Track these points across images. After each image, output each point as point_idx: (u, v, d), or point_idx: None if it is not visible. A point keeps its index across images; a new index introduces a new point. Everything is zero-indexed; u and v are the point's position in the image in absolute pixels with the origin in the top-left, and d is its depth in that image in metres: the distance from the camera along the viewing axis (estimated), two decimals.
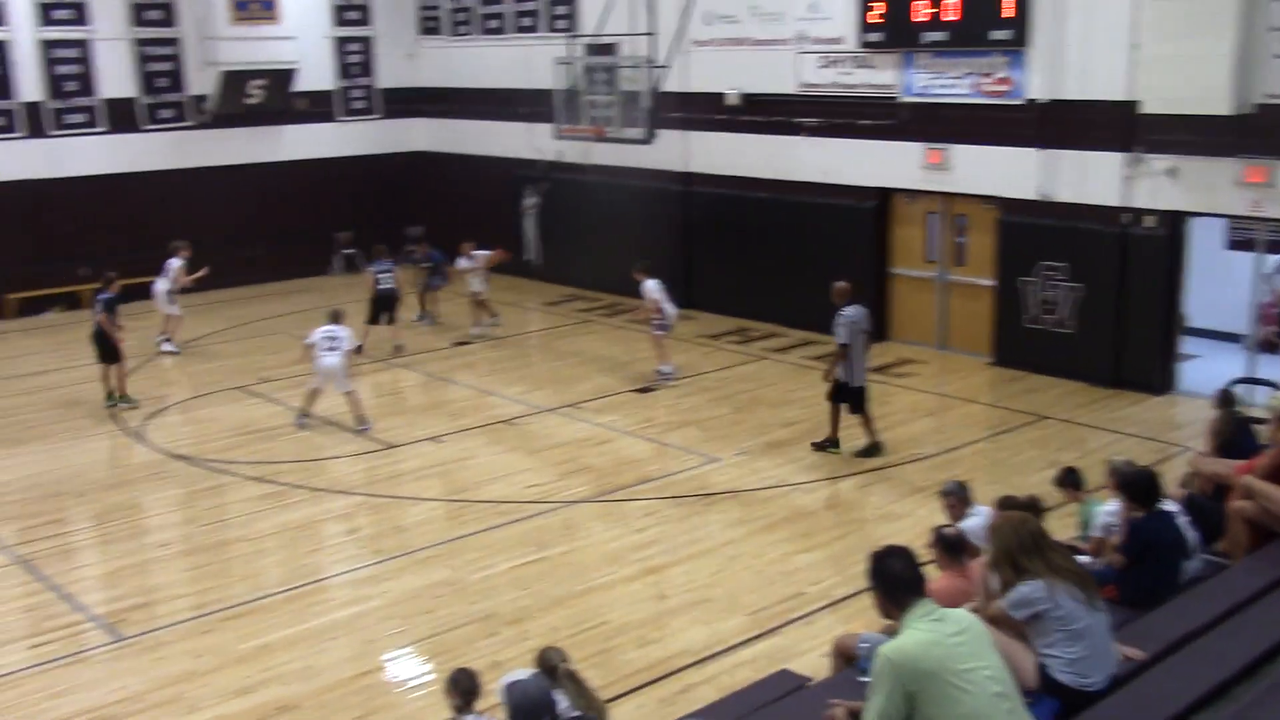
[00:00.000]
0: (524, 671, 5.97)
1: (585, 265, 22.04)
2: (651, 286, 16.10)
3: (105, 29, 21.72)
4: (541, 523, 11.67)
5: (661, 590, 10.19)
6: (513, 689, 5.75)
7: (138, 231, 21.92)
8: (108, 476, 13.43)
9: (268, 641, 9.43)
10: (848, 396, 13.26)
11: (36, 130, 21.24)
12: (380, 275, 18.21)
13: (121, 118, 22.07)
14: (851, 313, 13.09)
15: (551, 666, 6.37)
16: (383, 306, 18.27)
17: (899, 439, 13.81)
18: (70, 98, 21.56)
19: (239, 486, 12.82)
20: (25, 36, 20.98)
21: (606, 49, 19.92)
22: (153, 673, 9.01)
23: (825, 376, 13.49)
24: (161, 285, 18.62)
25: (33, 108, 21.17)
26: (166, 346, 18.66)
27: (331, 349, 14.43)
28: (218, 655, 9.24)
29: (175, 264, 18.64)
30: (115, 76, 21.94)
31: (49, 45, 21.23)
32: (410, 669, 9.20)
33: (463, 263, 19.58)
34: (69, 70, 21.51)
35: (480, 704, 6.48)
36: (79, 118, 21.69)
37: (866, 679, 5.28)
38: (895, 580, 5.19)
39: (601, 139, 19.15)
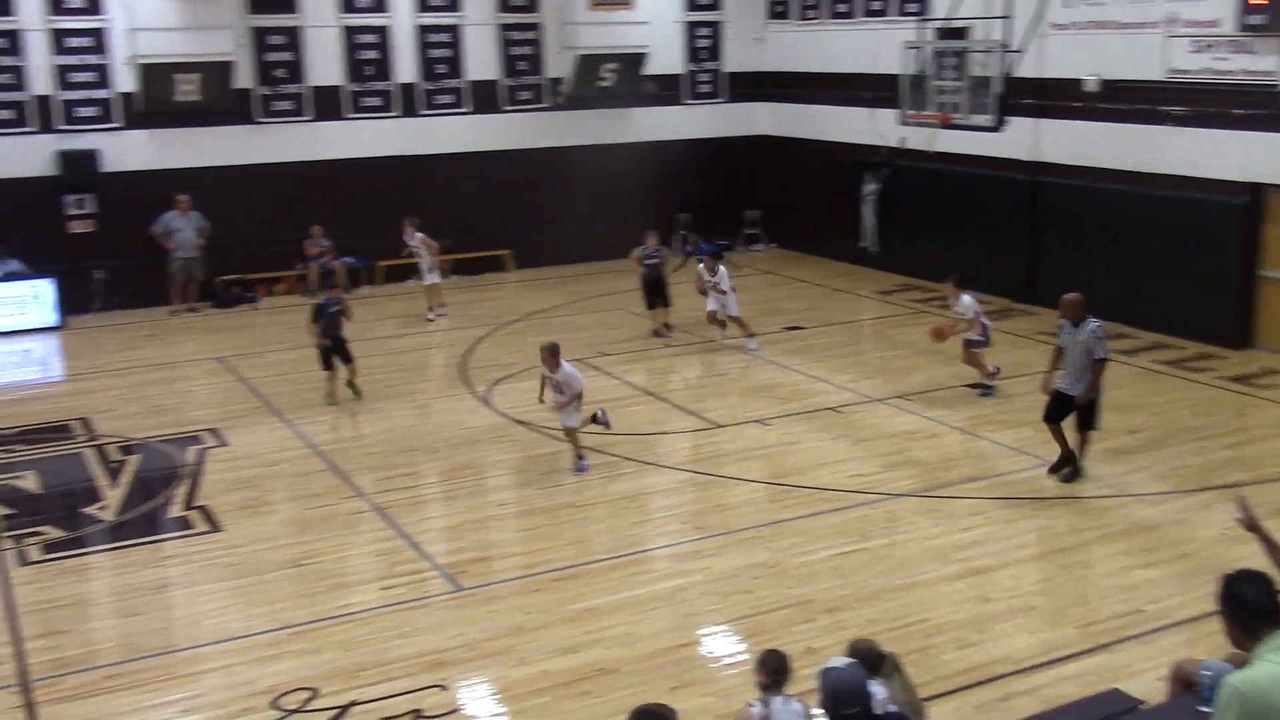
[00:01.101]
0: (843, 659, 5.94)
1: (923, 255, 21.56)
2: (968, 303, 14.89)
3: (475, 15, 23.10)
4: (864, 513, 11.56)
5: (985, 593, 9.88)
6: (829, 674, 5.74)
7: (501, 206, 23.28)
8: (456, 436, 14.32)
9: (592, 605, 9.81)
10: (1078, 411, 11.92)
11: (410, 110, 22.88)
12: (647, 260, 18.51)
13: (484, 99, 23.43)
14: (1101, 326, 11.75)
15: (875, 657, 6.30)
16: (652, 292, 18.57)
17: (1259, 455, 12.78)
18: (440, 80, 23.09)
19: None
20: (405, 22, 22.61)
21: (958, 33, 19.37)
22: (487, 624, 9.56)
23: (1044, 388, 12.25)
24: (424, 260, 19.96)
25: (407, 89, 22.81)
26: (431, 315, 19.89)
27: None
28: (546, 614, 9.69)
29: (420, 236, 19.89)
30: (481, 60, 23.31)
31: (424, 30, 22.80)
32: (725, 646, 9.33)
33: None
34: (440, 54, 23.04)
35: (789, 688, 6.50)
36: (447, 99, 23.20)
37: (1207, 709, 4.93)
38: (1249, 608, 4.81)
39: (947, 126, 18.66)
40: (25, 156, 20.18)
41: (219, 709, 8.45)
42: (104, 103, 20.73)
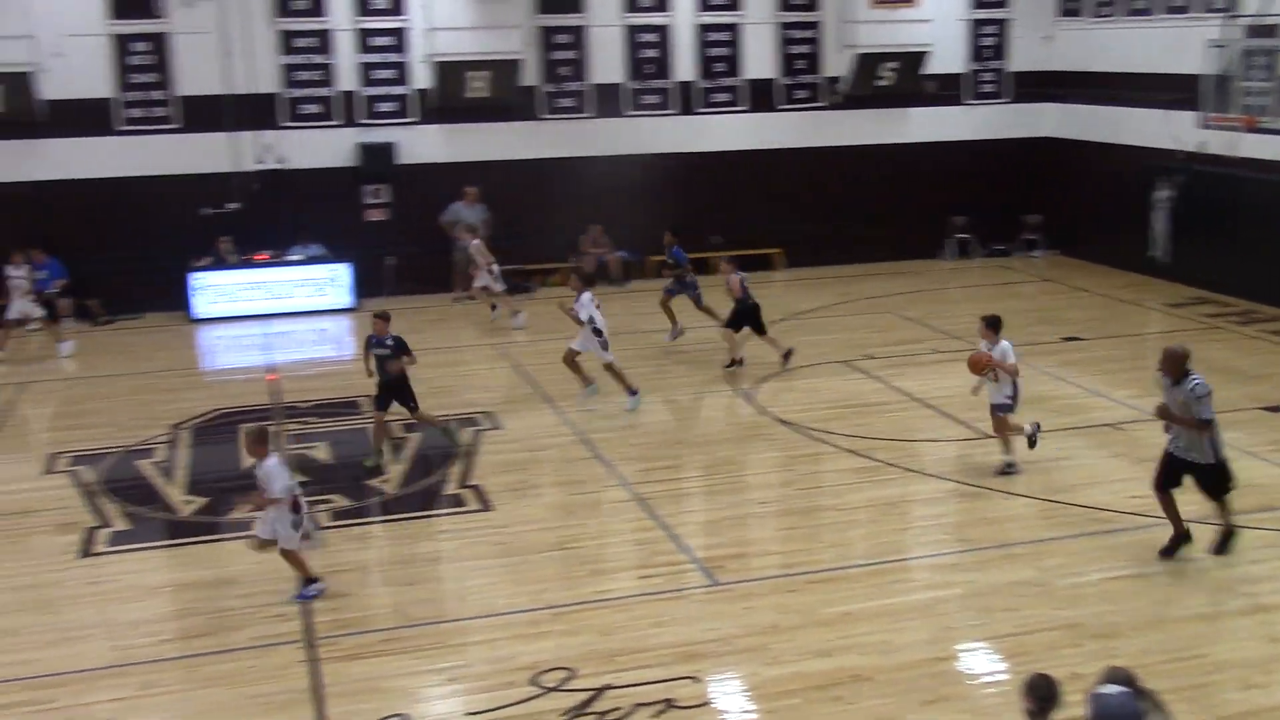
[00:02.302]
0: (1115, 686, 5.65)
1: (1219, 267, 20.24)
2: (1007, 348, 12.52)
3: (755, 14, 23.17)
4: (1142, 537, 10.95)
5: (1274, 632, 9.20)
6: (1099, 700, 5.47)
7: (773, 205, 23.32)
8: (718, 432, 14.43)
9: (849, 610, 9.69)
10: (1199, 479, 10.32)
11: (687, 108, 23.18)
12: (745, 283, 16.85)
13: (761, 97, 23.49)
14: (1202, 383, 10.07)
15: (1135, 690, 5.98)
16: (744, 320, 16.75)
17: None
18: (718, 78, 23.29)
19: (835, 457, 13.24)
20: (685, 21, 22.91)
21: (1268, 30, 18.06)
22: (742, 620, 9.59)
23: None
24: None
25: (685, 87, 23.12)
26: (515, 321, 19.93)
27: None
28: (801, 615, 9.64)
29: (476, 243, 19.85)
30: (759, 58, 23.37)
31: (704, 29, 23.04)
32: (985, 664, 9.04)
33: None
34: (719, 53, 23.23)
35: (1058, 715, 6.23)
36: (724, 97, 23.37)
37: None
38: None
39: (1253, 129, 17.44)
40: (330, 148, 21.59)
41: (481, 680, 8.80)
42: (401, 98, 21.92)
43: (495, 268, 19.73)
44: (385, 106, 21.90)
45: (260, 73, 21.14)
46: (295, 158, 21.39)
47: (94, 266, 20.50)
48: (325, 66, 21.52)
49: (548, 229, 22.42)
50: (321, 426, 14.87)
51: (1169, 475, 10.37)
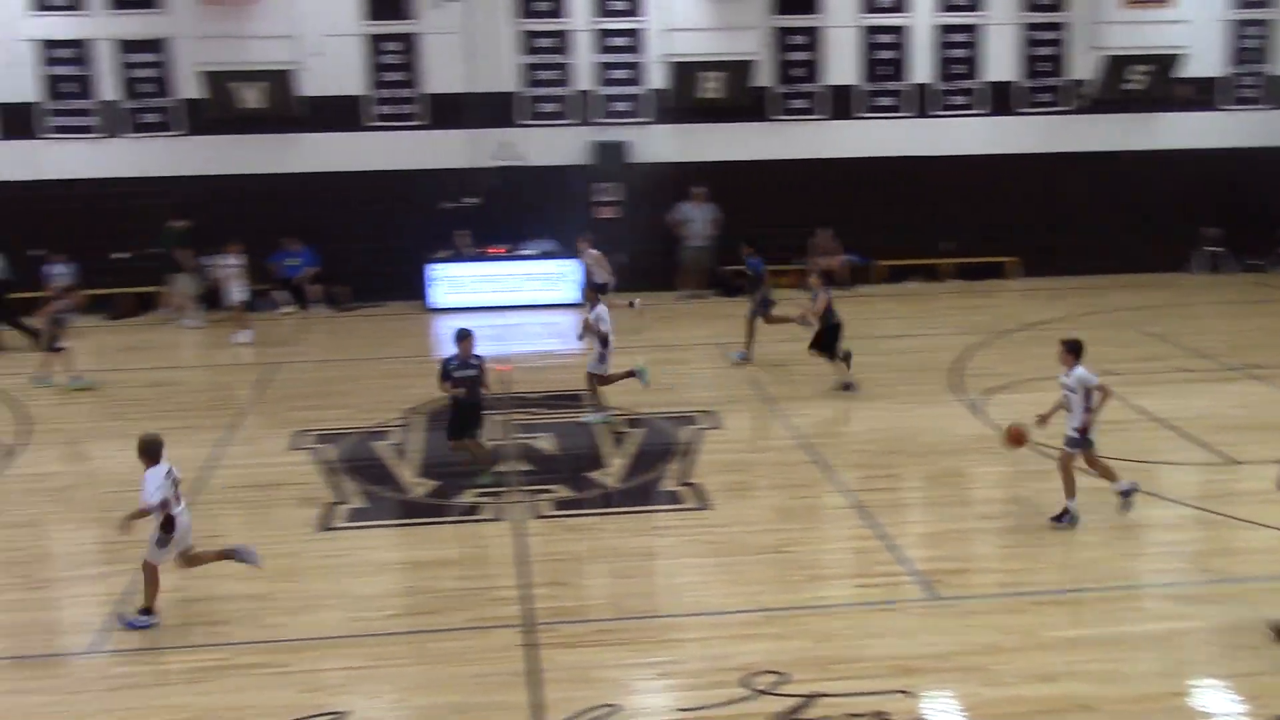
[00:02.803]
0: None
1: None
2: (1082, 376, 11.19)
3: (998, 14, 22.51)
4: None
5: None
6: None
7: (1009, 211, 22.65)
8: (942, 442, 14.07)
9: (1075, 636, 9.30)
10: None
11: (922, 110, 22.72)
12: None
13: (1001, 100, 22.80)
14: None
15: None
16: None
17: None
18: (956, 80, 22.72)
19: None
20: (924, 22, 22.45)
21: None
22: (960, 637, 9.33)
23: None
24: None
25: (921, 89, 22.66)
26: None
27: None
28: (1024, 636, 9.31)
29: (594, 252, 19.47)
30: (1000, 60, 22.70)
31: (943, 30, 22.52)
32: (1223, 703, 8.52)
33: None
34: (958, 54, 22.67)
35: None
36: (962, 99, 22.80)
37: None
38: None
39: None
40: (565, 146, 22.10)
41: (693, 678, 8.83)
42: (636, 98, 22.24)
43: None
44: (619, 106, 22.27)
45: (502, 71, 21.82)
46: (531, 155, 21.99)
47: (342, 256, 21.57)
48: (563, 66, 22.04)
49: (776, 231, 22.34)
50: (547, 418, 15.23)
51: None
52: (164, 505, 9.64)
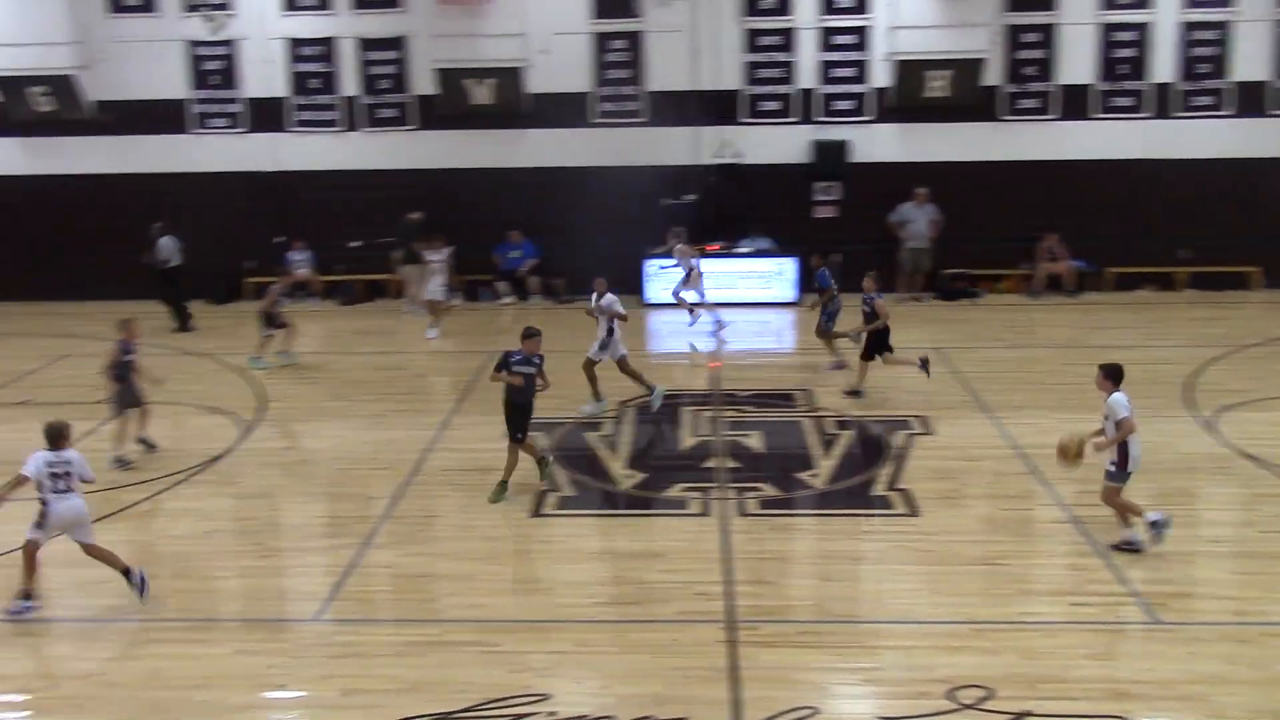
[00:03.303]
0: None
1: None
2: (1120, 401, 10.55)
3: (1250, 11, 21.24)
4: None
5: None
6: None
7: (1255, 218, 21.49)
8: (1173, 460, 13.37)
9: None
10: None
11: (1162, 111, 21.65)
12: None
13: (1250, 101, 21.51)
14: None
15: None
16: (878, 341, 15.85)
17: None
18: (1200, 80, 21.56)
19: None
20: (1168, 19, 21.37)
21: None
22: (1182, 665, 8.88)
23: None
24: None
25: (1162, 89, 21.59)
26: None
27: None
28: (1253, 668, 8.80)
29: (683, 247, 19.34)
30: (1250, 59, 21.40)
31: (1189, 28, 21.39)
32: None
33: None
34: (1204, 53, 21.48)
35: None
36: (1207, 100, 21.61)
37: None
38: None
39: None
40: (785, 145, 22.00)
41: (895, 686, 8.69)
42: (859, 97, 21.94)
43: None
44: (842, 105, 22.01)
45: (724, 70, 21.87)
46: (750, 153, 21.98)
47: (561, 249, 22.04)
48: (786, 64, 21.93)
49: (1000, 234, 21.72)
50: (757, 416, 15.21)
51: None
52: (23, 483, 9.95)
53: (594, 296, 15.76)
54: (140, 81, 22.20)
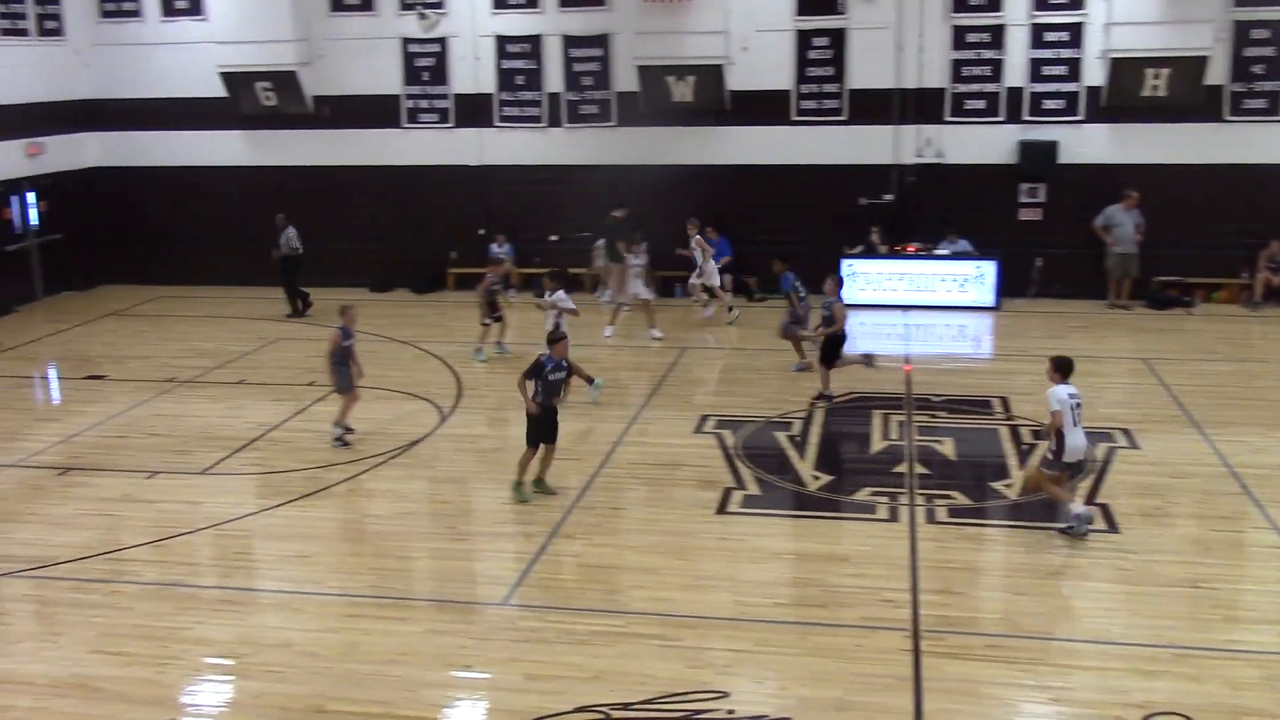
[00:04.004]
0: None
1: None
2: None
3: None
4: None
5: None
6: None
7: None
8: None
9: None
10: None
11: None
12: None
13: None
14: None
15: None
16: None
17: None
18: None
19: None
20: None
21: None
22: None
23: None
24: None
25: None
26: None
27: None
28: None
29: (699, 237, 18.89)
30: None
31: None
32: None
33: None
34: None
35: None
36: None
37: None
38: None
39: None
40: (989, 145, 21.41)
41: (1086, 708, 8.38)
42: (1070, 95, 21.17)
43: None
44: (1051, 104, 21.28)
45: (929, 67, 21.43)
46: (953, 153, 21.49)
47: (755, 246, 21.99)
48: (995, 62, 21.33)
49: (1218, 241, 20.68)
50: (950, 422, 14.87)
51: None
52: None
53: (546, 293, 16.45)
54: (356, 77, 23.15)
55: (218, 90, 23.13)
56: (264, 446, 14.37)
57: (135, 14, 23.71)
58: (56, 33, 23.37)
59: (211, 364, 18.23)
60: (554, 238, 22.88)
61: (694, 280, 20.64)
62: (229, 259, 23.71)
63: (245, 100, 23.28)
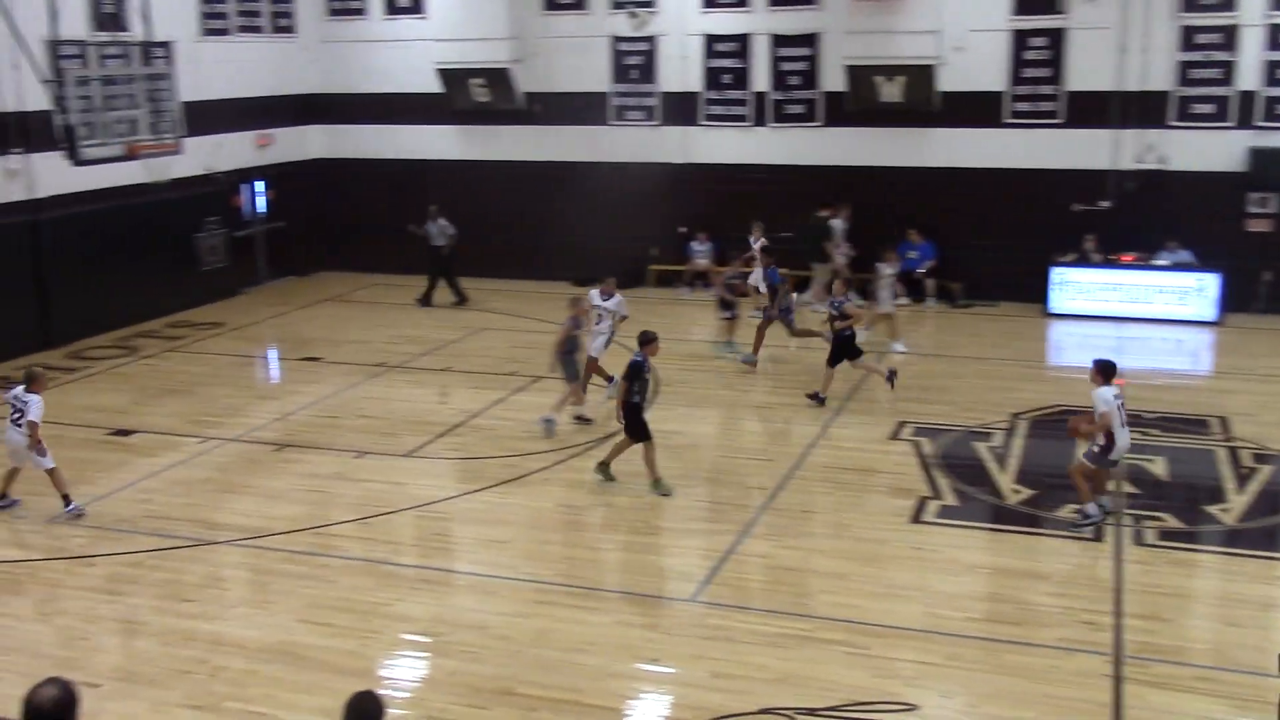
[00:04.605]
0: None
1: None
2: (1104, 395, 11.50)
3: None
4: None
5: None
6: None
7: None
8: None
9: None
10: None
11: None
12: None
13: None
14: None
15: None
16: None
17: None
18: None
19: None
20: None
21: None
22: None
23: None
24: None
25: None
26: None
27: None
28: None
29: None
30: None
31: None
32: None
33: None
34: None
35: None
36: None
37: None
38: None
39: None
40: (1217, 151, 20.34)
41: None
42: None
43: None
44: None
45: (1153, 69, 20.48)
46: (1176, 158, 20.51)
47: (959, 252, 21.48)
48: (1226, 64, 20.25)
49: None
50: (1163, 440, 14.20)
51: None
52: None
53: (599, 294, 15.71)
54: (566, 75, 23.58)
55: (434, 86, 23.91)
56: (466, 432, 14.81)
57: (360, 12, 24.72)
58: (288, 30, 24.56)
59: (419, 350, 18.87)
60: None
61: (750, 281, 20.27)
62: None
63: (459, 96, 23.98)
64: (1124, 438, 11.53)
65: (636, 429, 12.67)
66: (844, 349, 15.80)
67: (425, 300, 22.40)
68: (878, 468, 13.34)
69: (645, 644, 9.48)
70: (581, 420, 14.99)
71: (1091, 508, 11.58)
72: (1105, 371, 11.60)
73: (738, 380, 17.09)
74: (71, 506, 12.14)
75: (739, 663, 9.12)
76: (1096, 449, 11.54)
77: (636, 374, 12.57)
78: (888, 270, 19.34)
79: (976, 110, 21.39)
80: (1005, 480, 13.01)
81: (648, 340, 12.92)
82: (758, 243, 19.68)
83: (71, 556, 11.27)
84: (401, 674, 9.26)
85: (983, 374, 17.19)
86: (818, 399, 15.69)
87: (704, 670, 9.04)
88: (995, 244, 21.31)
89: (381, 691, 5.97)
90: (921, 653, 9.25)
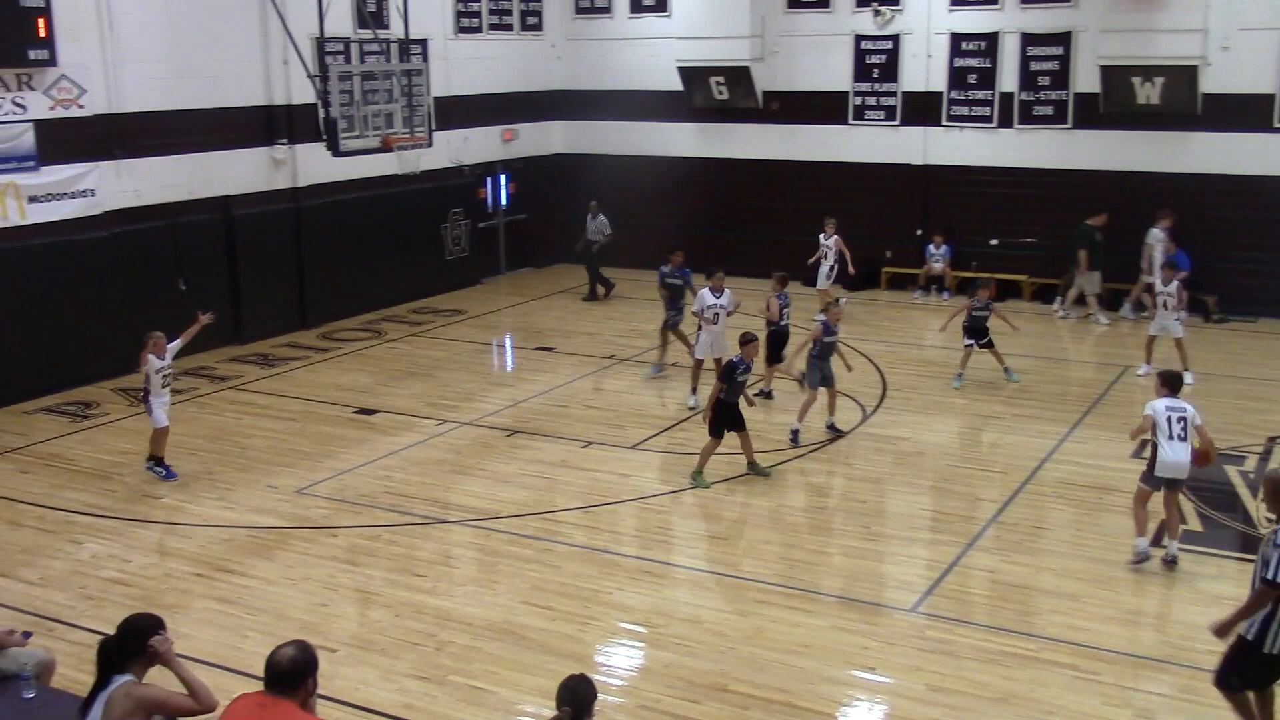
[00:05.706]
0: None
1: None
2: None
3: None
4: None
5: None
6: None
7: None
8: None
9: None
10: None
11: None
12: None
13: None
14: None
15: None
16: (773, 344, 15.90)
17: None
18: None
19: None
20: None
21: None
22: None
23: None
24: None
25: None
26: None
27: None
28: None
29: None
30: None
31: None
32: None
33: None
34: None
35: None
36: None
37: None
38: None
39: None
40: None
41: None
42: None
43: None
44: None
45: None
46: None
47: (1216, 263, 20.28)
48: None
49: None
50: None
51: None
52: None
53: (710, 291, 15.68)
54: (806, 73, 23.44)
55: (674, 84, 24.16)
56: (689, 427, 14.91)
57: (606, 10, 25.20)
58: (536, 28, 25.27)
59: (649, 344, 19.11)
60: (994, 241, 22.18)
61: (823, 284, 20.56)
62: (673, 245, 24.68)
63: (699, 94, 24.15)
64: (1169, 453, 10.56)
65: (726, 424, 12.81)
66: (777, 345, 16.05)
67: (592, 296, 22.90)
68: (1117, 486, 12.73)
69: (861, 651, 9.33)
70: (833, 430, 14.69)
71: (1141, 544, 10.79)
72: (1169, 383, 10.95)
73: (969, 389, 16.58)
74: (156, 467, 13.24)
75: (958, 678, 8.87)
76: (1147, 467, 10.85)
77: (730, 374, 12.72)
78: (1165, 288, 16.85)
79: (1243, 113, 20.13)
80: (1259, 509, 12.21)
81: (747, 341, 13.02)
82: (833, 239, 20.51)
83: (316, 526, 11.92)
84: (617, 661, 9.40)
85: (1238, 394, 16.20)
86: (765, 395, 15.90)
87: (921, 683, 8.83)
88: (1256, 256, 20.04)
89: (596, 677, 6.08)
90: (1156, 684, 8.80)
